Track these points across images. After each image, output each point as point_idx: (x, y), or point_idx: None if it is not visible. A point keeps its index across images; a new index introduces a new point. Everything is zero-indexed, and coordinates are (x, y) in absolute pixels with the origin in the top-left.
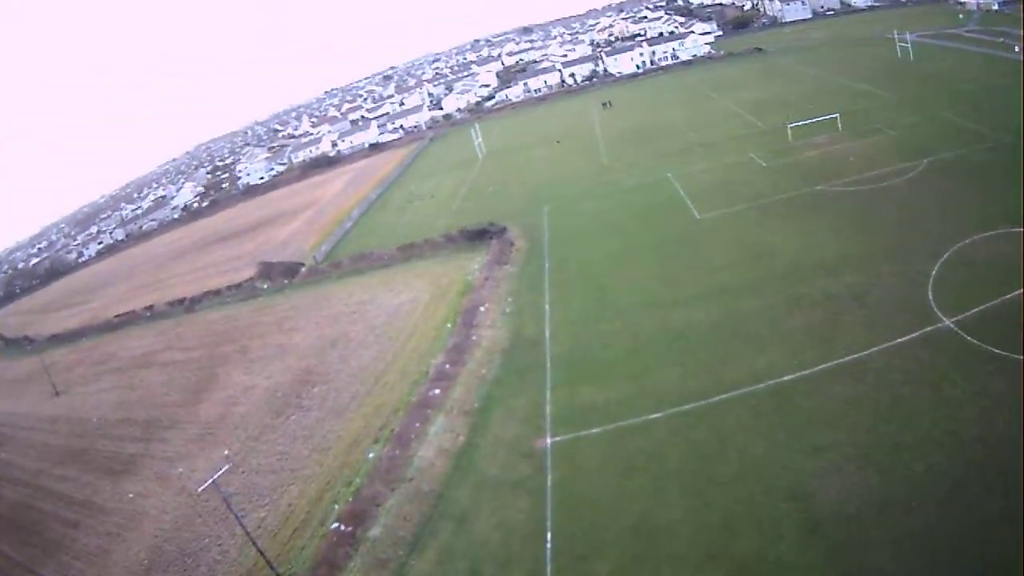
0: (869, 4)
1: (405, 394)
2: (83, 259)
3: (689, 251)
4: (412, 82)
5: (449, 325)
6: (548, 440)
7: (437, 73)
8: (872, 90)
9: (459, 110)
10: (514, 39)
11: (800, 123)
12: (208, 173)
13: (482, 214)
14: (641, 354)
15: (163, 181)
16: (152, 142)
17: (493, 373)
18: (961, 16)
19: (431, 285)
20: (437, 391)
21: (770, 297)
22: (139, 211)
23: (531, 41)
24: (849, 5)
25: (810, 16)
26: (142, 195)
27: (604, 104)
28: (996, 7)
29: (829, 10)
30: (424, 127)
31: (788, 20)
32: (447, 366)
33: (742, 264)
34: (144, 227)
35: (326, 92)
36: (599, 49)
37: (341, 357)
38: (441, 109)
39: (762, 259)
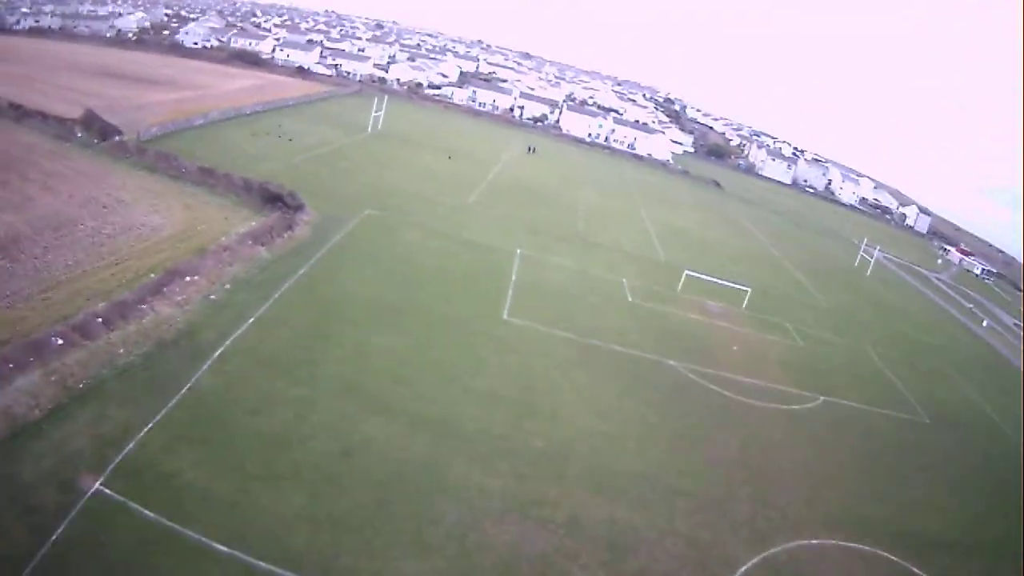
0: (852, 204)
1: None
2: (16, 27)
3: (458, 357)
4: (391, 39)
5: (153, 275)
6: None
7: (419, 45)
8: (807, 285)
9: (398, 81)
10: (512, 58)
11: (703, 276)
12: (166, 14)
13: (311, 181)
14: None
15: (135, 1)
16: None
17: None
18: (940, 262)
19: (188, 222)
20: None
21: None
22: (86, 12)
23: (518, 64)
24: (832, 194)
25: (789, 183)
26: (105, 2)
27: (529, 149)
28: (978, 271)
29: (811, 187)
30: (357, 77)
31: (765, 175)
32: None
33: (496, 413)
34: (76, 29)
35: (325, 11)
36: (567, 100)
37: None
38: (386, 72)
39: (524, 419)
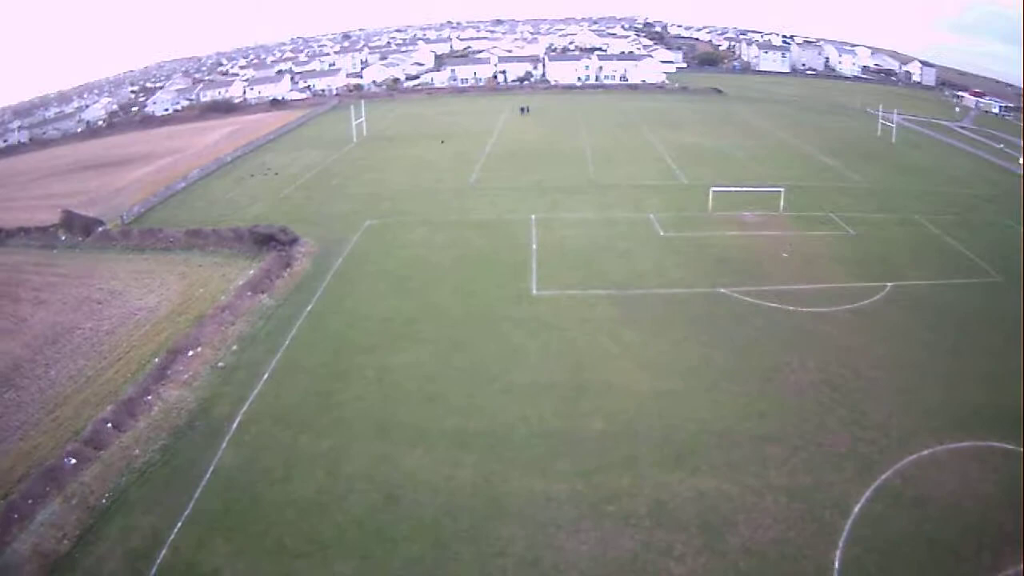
0: (855, 75)
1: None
2: None
3: (490, 353)
4: (360, 45)
5: (156, 360)
6: None
7: (389, 43)
8: (837, 166)
9: (375, 83)
10: (484, 29)
11: (730, 188)
12: (132, 92)
13: (303, 209)
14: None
15: (99, 90)
16: (122, 46)
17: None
18: (957, 110)
19: (184, 291)
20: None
21: None
22: (54, 115)
23: (491, 32)
24: (833, 70)
25: (787, 71)
26: (70, 100)
27: (522, 109)
28: (996, 110)
29: (810, 70)
30: (334, 92)
31: (762, 69)
32: (107, 425)
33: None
34: (47, 134)
35: (291, 39)
36: (547, 52)
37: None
38: (361, 78)
39: (578, 402)
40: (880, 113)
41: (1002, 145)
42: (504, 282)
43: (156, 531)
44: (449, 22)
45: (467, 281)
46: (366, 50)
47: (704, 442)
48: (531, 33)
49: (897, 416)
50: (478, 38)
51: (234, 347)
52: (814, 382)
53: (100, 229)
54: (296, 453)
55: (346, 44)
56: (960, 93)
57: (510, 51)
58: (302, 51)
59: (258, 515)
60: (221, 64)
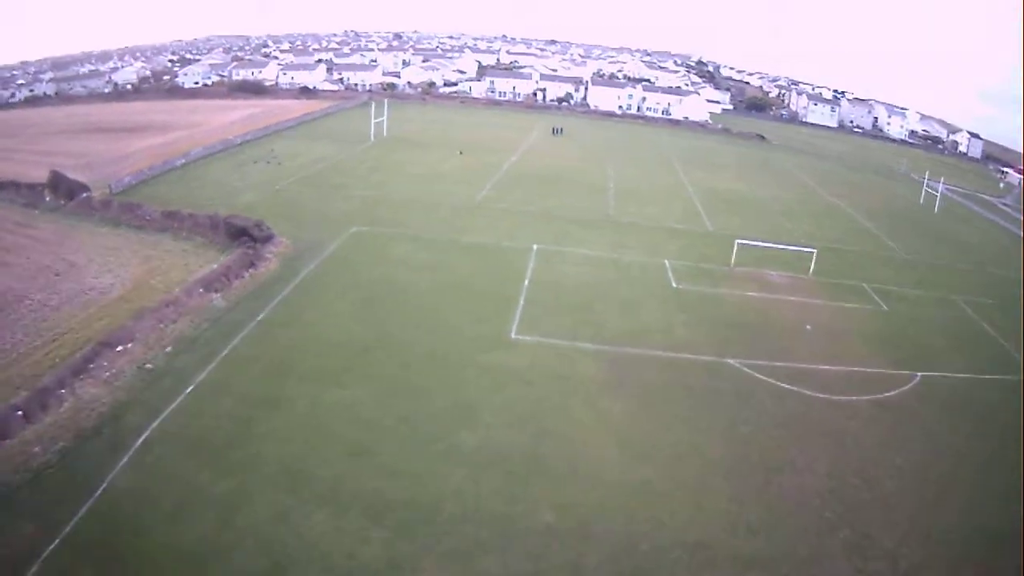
0: (902, 138)
1: None
2: (11, 100)
3: (440, 392)
4: (408, 46)
5: (82, 351)
6: None
7: (437, 47)
8: (876, 232)
9: (410, 84)
10: (536, 46)
11: (758, 244)
12: (170, 61)
13: (293, 204)
14: None
15: (141, 54)
16: (179, 15)
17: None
18: (1002, 186)
19: (141, 277)
20: None
21: None
22: (88, 72)
23: (541, 51)
24: (880, 131)
25: (835, 126)
26: (109, 59)
27: (555, 130)
28: None
29: (857, 127)
30: (367, 88)
31: (809, 121)
32: (18, 413)
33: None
34: (73, 90)
35: (344, 32)
36: (592, 76)
37: None
38: (398, 77)
39: (529, 483)
40: (925, 181)
41: None
42: (481, 319)
43: (33, 544)
44: (504, 36)
45: (440, 312)
46: (411, 51)
47: (673, 559)
48: (581, 56)
49: (909, 543)
50: (527, 54)
51: (168, 348)
52: (820, 491)
53: (84, 195)
54: (193, 490)
55: (395, 43)
56: (1005, 168)
57: (555, 70)
58: (349, 44)
59: (135, 553)
60: (266, 46)
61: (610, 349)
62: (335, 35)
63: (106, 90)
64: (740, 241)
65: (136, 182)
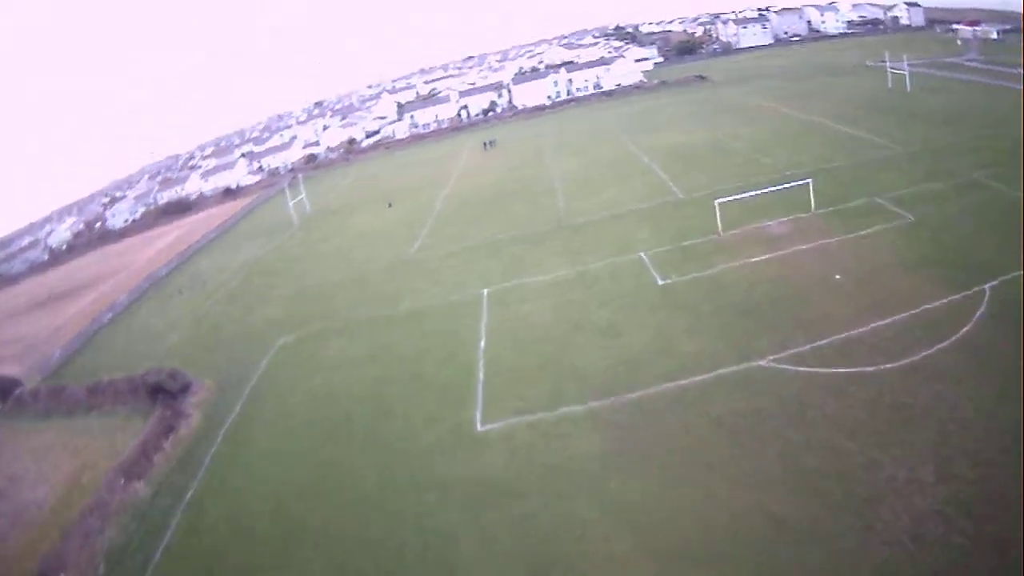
0: (841, 31)
1: None
2: None
3: (400, 545)
4: (328, 114)
5: None
6: None
7: (355, 101)
8: (861, 135)
9: (329, 148)
10: (454, 67)
11: (741, 196)
12: (103, 205)
13: (213, 334)
14: None
15: (75, 209)
16: (110, 157)
17: None
18: (959, 43)
19: (73, 476)
20: None
21: None
22: (27, 244)
23: (459, 70)
24: (817, 31)
25: (771, 42)
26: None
27: (485, 144)
28: (995, 36)
29: (794, 36)
30: (288, 168)
31: (744, 47)
32: None
33: None
34: (14, 270)
35: (268, 118)
36: (513, 77)
37: None
38: (317, 145)
39: None
40: (888, 64)
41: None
42: (436, 415)
43: None
44: (421, 69)
45: (387, 419)
46: (330, 114)
47: None
48: (498, 62)
49: None
50: (445, 77)
51: (100, 568)
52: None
53: (17, 392)
54: None
55: (316, 112)
56: (954, 26)
57: (473, 83)
58: (274, 129)
59: None
60: (193, 158)
61: (604, 404)
62: (259, 123)
63: (44, 257)
64: (720, 201)
65: (66, 357)
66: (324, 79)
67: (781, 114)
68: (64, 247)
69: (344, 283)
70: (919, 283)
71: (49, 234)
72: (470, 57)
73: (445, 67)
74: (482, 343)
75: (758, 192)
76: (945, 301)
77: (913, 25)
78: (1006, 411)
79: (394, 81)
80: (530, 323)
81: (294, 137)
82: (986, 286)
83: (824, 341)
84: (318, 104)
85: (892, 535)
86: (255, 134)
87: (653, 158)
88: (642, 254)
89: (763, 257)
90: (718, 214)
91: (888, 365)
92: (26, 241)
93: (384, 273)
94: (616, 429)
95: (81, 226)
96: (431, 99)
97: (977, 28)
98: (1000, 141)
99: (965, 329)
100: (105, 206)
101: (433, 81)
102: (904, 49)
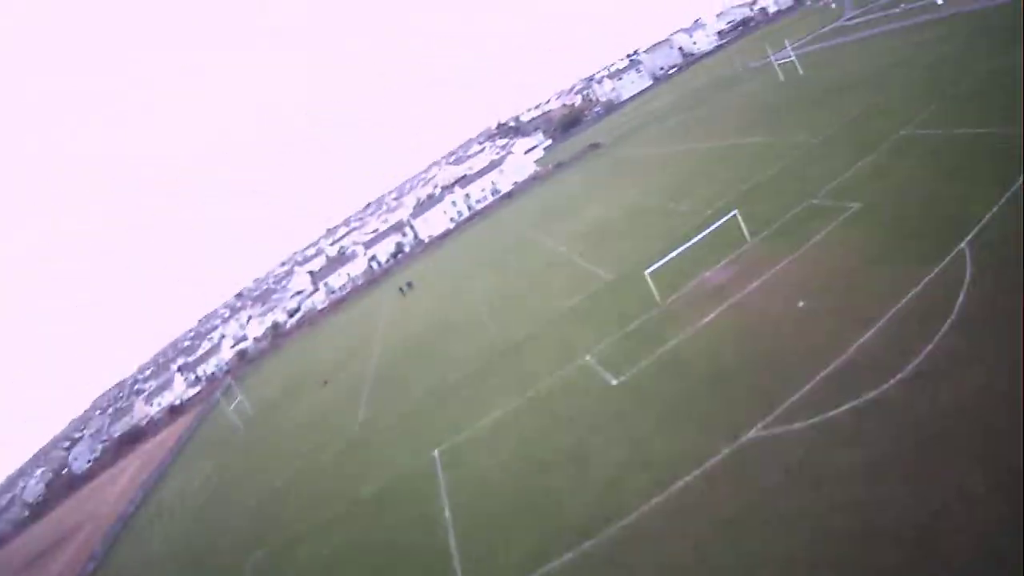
0: (716, 44)
1: None
2: None
3: None
4: (249, 303)
5: None
6: None
7: (271, 284)
8: (772, 140)
9: (257, 339)
10: (355, 218)
11: (670, 256)
12: (64, 450)
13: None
14: None
15: (40, 458)
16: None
17: None
18: (833, 6)
19: None
20: None
21: None
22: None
23: (360, 220)
24: (692, 54)
25: (650, 83)
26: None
27: (402, 289)
28: None
29: (671, 68)
30: (223, 369)
31: (626, 98)
32: None
33: None
34: (1, 529)
35: (196, 322)
36: (416, 207)
37: None
38: (245, 340)
39: None
40: (772, 57)
41: (902, 6)
42: None
43: None
44: (327, 230)
45: None
46: (249, 303)
47: None
48: (395, 199)
49: None
50: (349, 232)
51: None
52: None
53: None
54: None
55: (239, 304)
56: None
57: (376, 229)
58: (204, 332)
59: None
60: (136, 381)
61: (596, 543)
62: (190, 330)
63: (25, 513)
64: (650, 270)
65: None
66: (241, 266)
67: (683, 152)
68: (40, 499)
69: (296, 481)
70: (891, 273)
71: (23, 489)
72: (369, 204)
73: (347, 221)
74: (447, 511)
75: (687, 245)
76: (927, 281)
77: (783, 8)
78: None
79: (304, 251)
80: (492, 478)
81: (223, 336)
82: (963, 244)
83: (813, 383)
84: (239, 296)
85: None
86: (187, 343)
87: (570, 246)
88: (588, 357)
89: (714, 314)
90: (652, 285)
91: (894, 379)
92: (5, 500)
93: (333, 462)
94: (616, 568)
95: (50, 475)
96: (340, 259)
97: None
98: (910, 87)
99: (959, 302)
100: (67, 450)
101: (339, 240)
102: (784, 36)
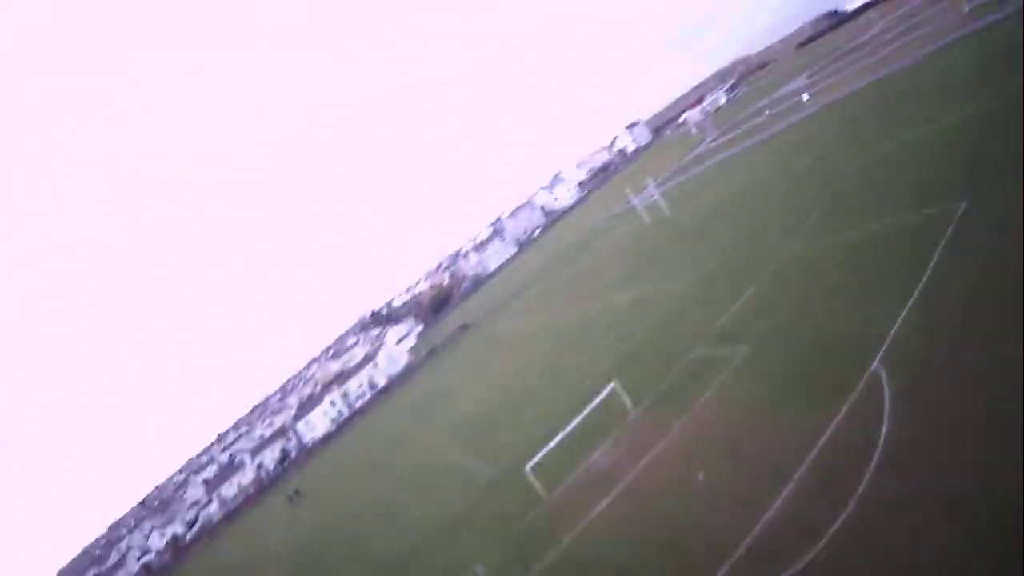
0: (577, 197)
1: None
2: None
3: None
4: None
5: None
6: None
7: (171, 491)
8: (646, 292)
9: (159, 552)
10: (247, 422)
11: (549, 447)
12: None
13: None
14: None
15: None
16: None
17: None
18: (694, 132)
19: None
20: None
21: None
22: None
23: (248, 425)
24: (555, 211)
25: (516, 250)
26: None
27: (291, 497)
28: (724, 100)
29: (536, 228)
30: None
31: (493, 269)
32: None
33: None
34: None
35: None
36: (299, 408)
37: None
38: (149, 553)
39: None
40: (634, 201)
41: (766, 112)
42: None
43: None
44: (218, 435)
45: None
46: (148, 513)
47: None
48: (279, 400)
49: None
50: (239, 438)
51: None
52: None
53: None
54: None
55: (143, 514)
56: (682, 118)
57: (262, 435)
58: (113, 541)
59: None
60: None
61: None
62: (100, 537)
63: None
64: (531, 465)
65: None
66: (144, 474)
67: (553, 321)
68: None
69: None
70: (797, 419)
71: None
72: (255, 407)
73: (237, 426)
74: None
75: (567, 429)
76: (840, 417)
77: (642, 144)
78: None
79: (198, 457)
80: None
81: (128, 548)
82: (875, 365)
83: (722, 573)
84: (142, 504)
85: None
86: (98, 551)
87: (451, 445)
88: (478, 570)
89: (607, 501)
90: (534, 480)
91: (819, 546)
92: None
93: None
94: None
95: None
96: (231, 468)
97: (704, 104)
98: (786, 201)
99: (884, 431)
100: None
101: (229, 446)
102: (646, 174)
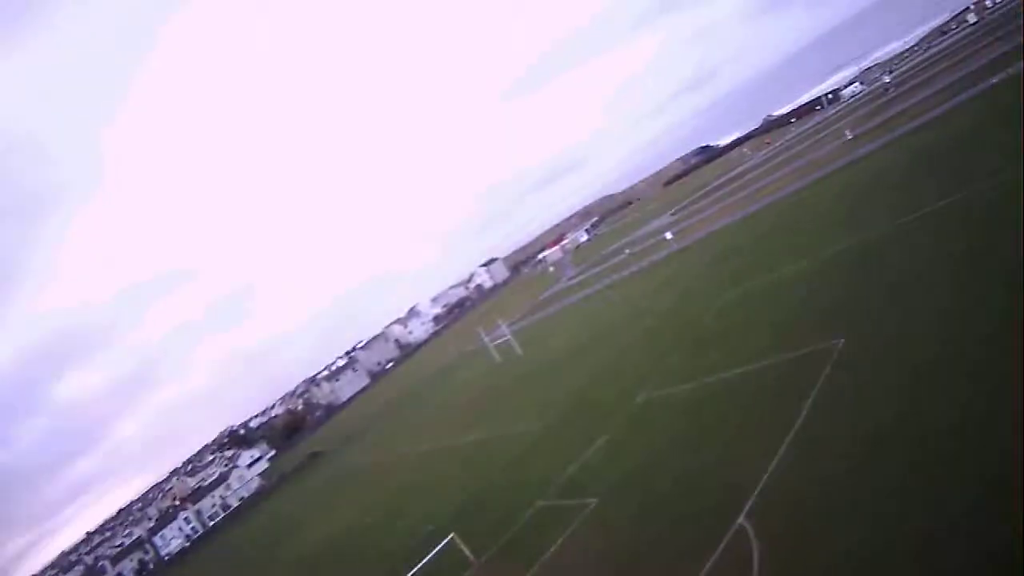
0: (431, 331)
1: None
2: None
3: None
4: None
5: None
6: None
7: None
8: (486, 436)
9: None
10: (109, 529)
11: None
12: None
13: None
14: None
15: None
16: None
17: None
18: (551, 270)
19: None
20: None
21: None
22: None
23: (111, 531)
24: (409, 344)
25: (367, 382)
26: None
27: None
28: (585, 238)
29: (388, 361)
30: None
31: (346, 398)
32: None
33: None
34: None
35: None
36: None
37: None
38: None
39: None
40: (487, 340)
41: (626, 253)
42: None
43: None
44: (78, 543)
45: None
46: None
47: None
48: (139, 510)
49: None
50: (99, 544)
51: None
52: None
53: None
54: None
55: None
56: (540, 256)
57: (121, 544)
58: None
59: None
60: None
61: None
62: None
63: None
64: None
65: None
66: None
67: (400, 458)
68: None
69: None
70: (640, 573)
71: None
72: (118, 512)
73: (101, 530)
74: None
75: (430, 555)
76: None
77: (500, 281)
78: None
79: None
80: None
81: None
82: (741, 519)
83: None
84: None
85: None
86: None
87: (295, 573)
88: None
89: None
90: None
91: None
92: None
93: None
94: None
95: None
96: (94, 573)
97: (564, 243)
98: (644, 343)
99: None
100: None
101: (94, 549)
102: (500, 311)
